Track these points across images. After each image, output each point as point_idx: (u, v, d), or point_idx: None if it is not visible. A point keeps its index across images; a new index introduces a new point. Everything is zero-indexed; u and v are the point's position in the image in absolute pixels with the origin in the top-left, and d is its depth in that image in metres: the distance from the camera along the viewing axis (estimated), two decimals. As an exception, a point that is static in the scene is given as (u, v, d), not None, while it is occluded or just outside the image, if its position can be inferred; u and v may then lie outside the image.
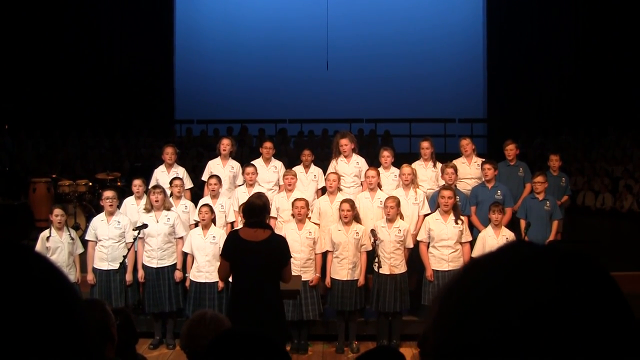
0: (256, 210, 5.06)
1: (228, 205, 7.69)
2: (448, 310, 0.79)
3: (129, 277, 7.13)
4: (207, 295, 7.02)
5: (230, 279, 5.62)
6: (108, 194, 7.24)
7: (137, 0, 16.65)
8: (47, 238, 6.97)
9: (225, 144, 8.31)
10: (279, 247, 5.05)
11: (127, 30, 16.66)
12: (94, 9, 16.46)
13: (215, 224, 7.25)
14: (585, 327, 0.71)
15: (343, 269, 6.99)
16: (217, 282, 7.03)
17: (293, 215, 7.06)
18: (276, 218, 7.53)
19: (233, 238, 5.15)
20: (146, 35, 16.57)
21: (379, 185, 7.58)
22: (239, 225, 7.18)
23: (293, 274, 5.41)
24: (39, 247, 6.88)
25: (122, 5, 16.62)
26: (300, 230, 6.89)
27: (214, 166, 8.28)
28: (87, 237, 7.22)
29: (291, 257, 5.31)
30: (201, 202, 7.55)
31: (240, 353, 1.65)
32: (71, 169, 12.96)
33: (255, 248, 4.93)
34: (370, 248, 6.98)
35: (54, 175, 11.10)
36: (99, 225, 7.14)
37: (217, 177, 7.72)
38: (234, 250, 5.01)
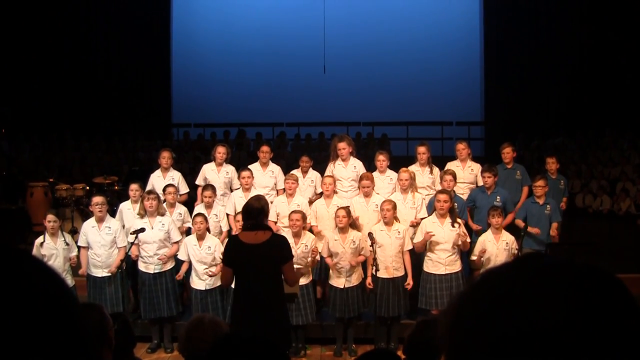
0: (254, 212, 5.00)
1: (222, 215, 7.64)
2: (466, 313, 0.80)
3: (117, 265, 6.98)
4: (208, 299, 7.01)
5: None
6: (97, 199, 7.11)
7: (133, 5, 16.64)
8: (41, 244, 6.88)
9: (222, 152, 8.16)
10: (280, 247, 4.98)
11: (124, 34, 16.64)
12: (91, 13, 16.46)
13: (210, 232, 7.23)
14: (601, 340, 0.72)
15: (340, 278, 6.98)
16: (216, 288, 7.04)
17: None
18: (276, 222, 7.50)
19: (234, 243, 5.09)
20: (143, 39, 16.55)
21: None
22: (234, 232, 7.15)
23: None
24: (34, 254, 6.82)
25: (119, 9, 16.61)
26: (296, 245, 6.70)
27: (209, 172, 8.19)
28: (79, 243, 7.14)
29: (293, 256, 5.22)
30: (195, 211, 7.50)
31: (241, 357, 1.64)
32: (68, 173, 12.93)
33: (256, 250, 4.87)
34: (369, 254, 6.95)
35: (51, 180, 11.09)
36: (90, 232, 7.06)
37: (212, 187, 7.65)
38: (236, 254, 4.95)
